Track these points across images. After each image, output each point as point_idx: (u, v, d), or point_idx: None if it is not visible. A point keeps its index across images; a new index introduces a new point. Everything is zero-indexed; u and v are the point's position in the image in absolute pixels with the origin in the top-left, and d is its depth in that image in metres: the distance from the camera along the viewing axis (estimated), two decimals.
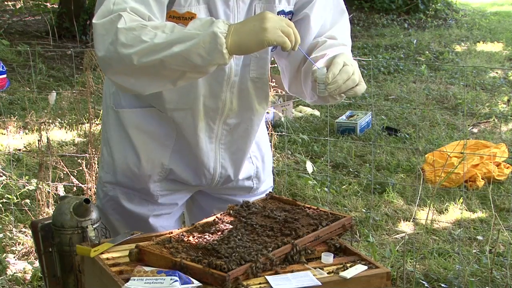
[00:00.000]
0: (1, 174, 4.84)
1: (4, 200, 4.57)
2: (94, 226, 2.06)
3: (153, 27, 1.88)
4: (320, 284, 1.75)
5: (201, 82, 2.12)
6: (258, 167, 2.41)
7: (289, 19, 2.16)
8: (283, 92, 6.15)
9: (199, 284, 1.72)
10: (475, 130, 6.68)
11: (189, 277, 1.74)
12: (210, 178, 2.29)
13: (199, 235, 1.94)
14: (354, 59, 2.11)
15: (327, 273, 1.80)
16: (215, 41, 1.85)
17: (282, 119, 6.27)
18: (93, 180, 4.19)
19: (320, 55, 2.12)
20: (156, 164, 2.24)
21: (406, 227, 4.56)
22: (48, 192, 4.26)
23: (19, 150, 5.70)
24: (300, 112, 6.97)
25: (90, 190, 4.18)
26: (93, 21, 1.94)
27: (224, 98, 2.18)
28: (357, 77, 2.03)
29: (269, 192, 2.31)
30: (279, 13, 2.14)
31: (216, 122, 2.22)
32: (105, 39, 1.91)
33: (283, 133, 5.57)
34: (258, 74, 2.22)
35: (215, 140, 2.24)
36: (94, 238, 2.00)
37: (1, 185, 4.72)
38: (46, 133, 4.67)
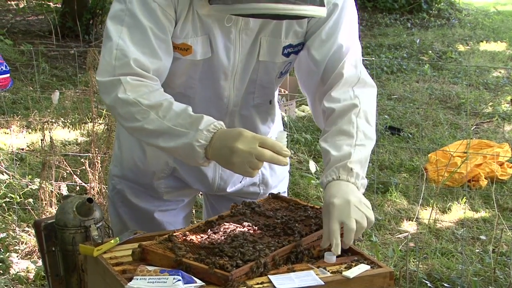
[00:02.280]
0: (5, 173, 4.84)
1: (7, 199, 4.57)
2: (97, 226, 2.06)
3: (148, 106, 1.93)
4: (323, 283, 1.75)
5: (200, 107, 2.10)
6: (265, 174, 2.38)
7: (299, 50, 2.13)
8: (286, 92, 6.16)
9: (202, 283, 1.72)
10: (478, 130, 6.67)
11: (192, 277, 1.74)
12: (209, 186, 2.30)
13: (202, 235, 1.94)
14: None
15: (330, 273, 1.80)
16: (193, 153, 1.91)
17: (285, 118, 6.26)
18: (96, 180, 4.19)
19: (326, 150, 2.03)
20: (160, 162, 2.26)
21: (409, 227, 4.56)
22: (51, 192, 4.27)
23: (22, 149, 5.70)
24: (303, 111, 6.97)
25: (93, 190, 4.19)
26: (96, 77, 2.00)
27: (225, 124, 2.17)
28: (367, 223, 1.89)
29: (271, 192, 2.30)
30: (285, 48, 2.11)
31: None
32: (106, 98, 2.00)
33: (286, 133, 5.57)
34: (263, 101, 2.22)
35: None
36: (97, 237, 2.01)
37: (5, 184, 4.72)
38: (49, 132, 4.68)
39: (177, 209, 2.38)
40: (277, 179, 2.43)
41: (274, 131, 2.31)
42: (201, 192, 2.46)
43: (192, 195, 2.42)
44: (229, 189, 2.33)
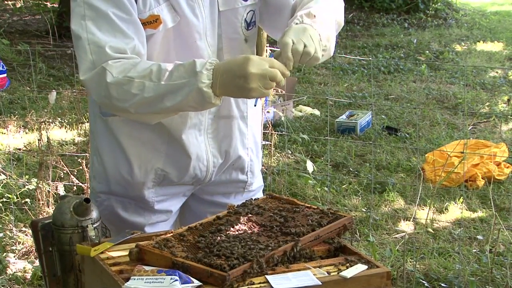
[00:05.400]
0: (2, 174, 4.84)
1: (4, 200, 4.57)
2: (94, 226, 2.06)
3: (139, 77, 1.95)
4: (320, 283, 1.75)
5: None
6: (253, 160, 2.39)
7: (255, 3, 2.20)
8: (283, 92, 6.16)
9: (199, 283, 1.72)
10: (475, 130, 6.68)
11: (189, 277, 1.74)
12: (205, 170, 2.28)
13: (199, 235, 1.94)
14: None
15: (327, 273, 1.80)
16: (203, 96, 1.93)
17: (282, 118, 6.26)
18: None
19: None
20: (149, 170, 2.23)
21: (406, 227, 4.56)
22: (48, 192, 4.26)
23: (19, 149, 5.70)
24: (300, 111, 6.97)
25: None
26: (80, 77, 2.00)
27: None
28: (313, 50, 2.02)
29: (269, 192, 2.31)
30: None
31: (205, 115, 2.22)
32: (98, 92, 2.00)
33: (283, 133, 5.58)
34: (233, 56, 2.20)
35: (204, 132, 2.24)
36: (94, 237, 2.00)
37: (1, 184, 4.72)
38: (46, 132, 4.67)
39: (167, 220, 2.35)
40: (258, 168, 2.45)
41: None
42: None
43: (182, 202, 2.38)
44: (224, 161, 2.31)
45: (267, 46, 5.27)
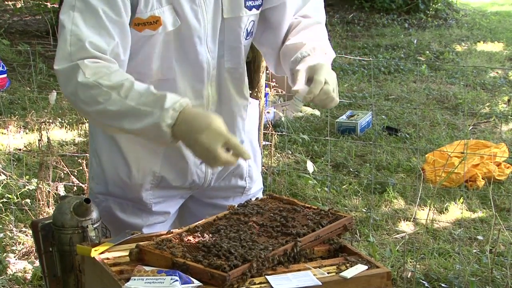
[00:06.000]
0: (2, 174, 4.84)
1: (5, 200, 4.57)
2: (94, 226, 2.06)
3: (109, 87, 1.90)
4: (321, 283, 1.75)
5: (182, 86, 2.12)
6: (251, 166, 2.39)
7: (259, 5, 2.19)
8: (284, 92, 6.16)
9: (199, 284, 1.72)
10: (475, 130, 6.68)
11: (189, 277, 1.74)
12: (203, 176, 2.27)
13: (200, 235, 1.94)
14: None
15: (327, 273, 1.80)
16: (160, 133, 1.88)
17: (283, 118, 6.27)
18: None
19: (298, 42, 2.17)
20: (147, 173, 2.22)
21: (406, 227, 4.57)
22: (49, 192, 4.26)
23: (20, 149, 5.69)
24: (301, 111, 6.97)
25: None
26: (54, 66, 1.96)
27: (207, 95, 2.17)
28: (335, 94, 2.07)
29: (269, 192, 2.31)
30: (247, 7, 2.16)
31: None
32: (66, 87, 1.96)
33: (284, 133, 5.58)
34: (233, 64, 2.21)
35: None
36: (94, 237, 2.01)
37: (2, 185, 4.72)
38: (47, 132, 4.67)
39: (165, 222, 2.34)
40: (258, 173, 2.44)
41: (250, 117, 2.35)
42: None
43: (179, 204, 2.38)
44: (223, 170, 2.31)
45: None
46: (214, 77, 2.18)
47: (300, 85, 2.05)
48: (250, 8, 2.17)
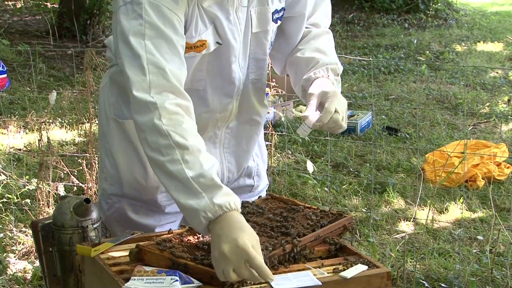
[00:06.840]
0: (2, 174, 4.84)
1: (5, 200, 4.57)
2: (94, 226, 2.06)
3: (176, 145, 1.84)
4: (321, 284, 1.75)
5: (210, 98, 2.14)
6: (259, 164, 2.42)
7: (282, 15, 2.20)
8: (284, 92, 6.16)
9: (199, 284, 1.72)
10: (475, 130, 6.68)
11: (190, 277, 1.74)
12: (220, 178, 2.27)
13: (199, 235, 1.94)
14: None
15: (327, 273, 1.80)
16: (195, 220, 1.82)
17: (283, 118, 6.26)
18: (93, 180, 4.19)
19: (311, 57, 2.19)
20: None
21: (406, 227, 4.56)
22: (49, 192, 4.26)
23: (20, 149, 5.69)
24: (301, 111, 6.97)
25: (91, 190, 4.18)
26: (134, 93, 1.90)
27: (231, 108, 2.19)
28: (344, 122, 2.08)
29: (269, 192, 2.31)
30: (273, 13, 2.16)
31: (221, 129, 2.23)
32: (140, 116, 1.90)
33: (284, 133, 5.57)
34: (257, 76, 2.23)
35: (219, 145, 2.25)
36: (94, 237, 2.01)
37: (2, 185, 4.72)
38: (47, 132, 4.67)
39: (176, 221, 2.35)
40: (264, 170, 2.47)
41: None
42: None
43: None
44: (238, 177, 2.34)
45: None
46: (240, 90, 2.20)
47: (310, 111, 2.07)
48: (276, 21, 2.19)
